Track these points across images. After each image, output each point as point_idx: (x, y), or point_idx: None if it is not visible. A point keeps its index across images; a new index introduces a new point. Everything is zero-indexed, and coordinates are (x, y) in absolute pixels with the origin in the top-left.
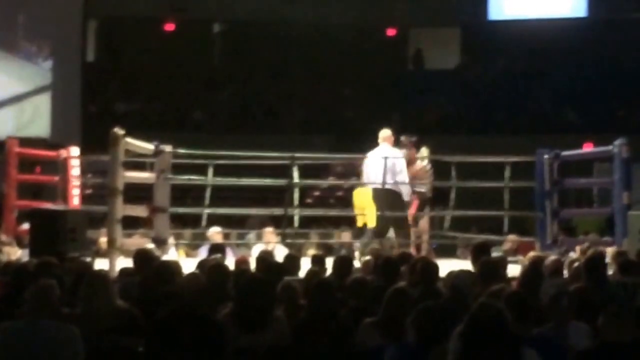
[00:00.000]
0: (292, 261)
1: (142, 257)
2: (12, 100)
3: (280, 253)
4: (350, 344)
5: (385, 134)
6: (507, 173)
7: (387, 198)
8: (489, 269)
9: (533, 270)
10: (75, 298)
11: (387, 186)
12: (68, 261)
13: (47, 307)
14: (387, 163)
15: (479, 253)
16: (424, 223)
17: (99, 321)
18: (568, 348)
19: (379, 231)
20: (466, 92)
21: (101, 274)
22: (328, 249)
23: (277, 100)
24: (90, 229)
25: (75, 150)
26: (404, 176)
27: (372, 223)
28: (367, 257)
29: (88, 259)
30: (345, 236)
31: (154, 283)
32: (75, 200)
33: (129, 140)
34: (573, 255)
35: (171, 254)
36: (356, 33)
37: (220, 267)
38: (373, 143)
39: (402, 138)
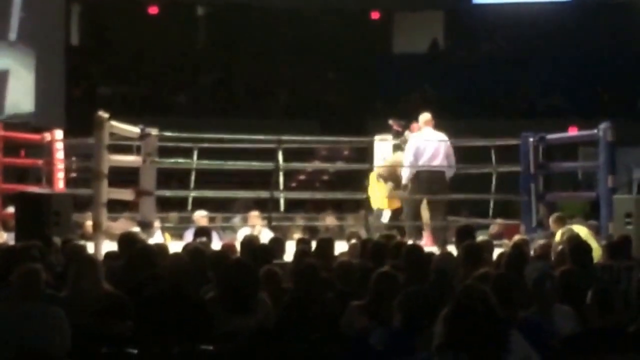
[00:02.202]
0: (277, 244)
1: (126, 240)
2: None
3: (266, 237)
4: (337, 327)
5: (426, 117)
6: (492, 157)
7: (442, 180)
8: (472, 253)
9: (517, 254)
10: (65, 281)
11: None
12: (62, 244)
13: (33, 290)
14: (445, 146)
15: (463, 236)
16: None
17: (86, 304)
18: (553, 331)
19: (414, 213)
20: (450, 76)
21: (90, 257)
22: (313, 232)
23: (262, 84)
24: (75, 213)
25: (59, 134)
26: (452, 159)
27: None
28: (353, 241)
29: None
30: (329, 220)
31: (137, 266)
32: (60, 184)
33: (114, 123)
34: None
35: (157, 238)
36: (340, 16)
37: (198, 250)
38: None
39: (390, 122)
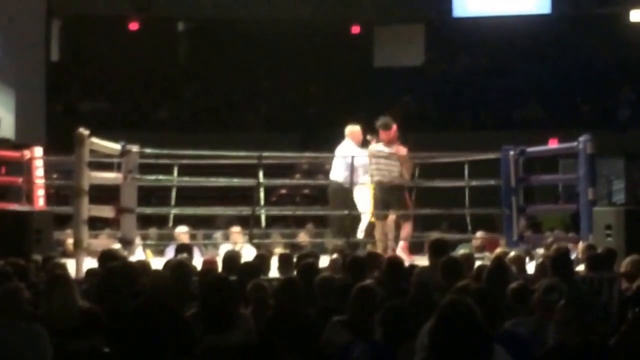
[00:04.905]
0: (261, 261)
1: (107, 257)
2: None
3: (248, 253)
4: (319, 343)
5: (349, 130)
6: (471, 171)
7: (343, 195)
8: (450, 267)
9: (498, 267)
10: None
11: (343, 183)
12: (43, 262)
13: (14, 308)
14: (348, 160)
15: (435, 251)
16: (390, 221)
17: (61, 321)
18: (544, 342)
19: (339, 228)
20: (431, 89)
21: (61, 274)
22: (295, 247)
23: (243, 98)
24: (56, 230)
25: (39, 151)
26: (358, 172)
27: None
28: (335, 256)
29: (63, 260)
30: (308, 235)
31: (118, 283)
32: (40, 201)
33: (95, 140)
34: (540, 251)
35: (138, 255)
36: (321, 30)
37: (182, 266)
38: (338, 140)
39: (369, 137)
